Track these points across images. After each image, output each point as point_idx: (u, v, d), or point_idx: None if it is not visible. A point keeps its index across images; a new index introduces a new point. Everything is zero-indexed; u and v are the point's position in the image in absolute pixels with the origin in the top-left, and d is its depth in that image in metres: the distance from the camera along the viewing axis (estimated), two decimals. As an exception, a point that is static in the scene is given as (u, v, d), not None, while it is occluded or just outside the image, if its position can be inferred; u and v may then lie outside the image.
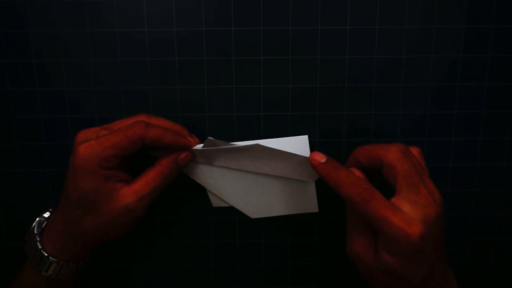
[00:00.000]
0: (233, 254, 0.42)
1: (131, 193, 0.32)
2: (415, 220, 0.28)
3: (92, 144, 0.31)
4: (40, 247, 0.33)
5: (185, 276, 0.42)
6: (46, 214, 0.36)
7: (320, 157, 0.31)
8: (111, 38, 0.38)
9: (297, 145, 0.37)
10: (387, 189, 0.40)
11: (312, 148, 0.40)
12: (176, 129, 0.35)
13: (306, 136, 0.37)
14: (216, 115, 0.39)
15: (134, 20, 0.37)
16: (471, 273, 0.42)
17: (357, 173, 0.31)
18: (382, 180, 0.39)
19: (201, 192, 0.40)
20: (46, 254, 0.33)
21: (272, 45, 0.38)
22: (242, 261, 0.42)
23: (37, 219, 0.35)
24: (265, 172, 0.36)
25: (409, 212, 0.28)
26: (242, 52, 0.38)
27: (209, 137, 0.33)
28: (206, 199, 0.41)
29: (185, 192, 0.41)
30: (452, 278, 0.32)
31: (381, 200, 0.29)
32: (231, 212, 0.41)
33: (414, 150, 0.32)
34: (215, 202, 0.39)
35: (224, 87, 0.39)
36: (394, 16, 0.37)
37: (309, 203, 0.38)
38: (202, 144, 0.34)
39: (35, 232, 0.34)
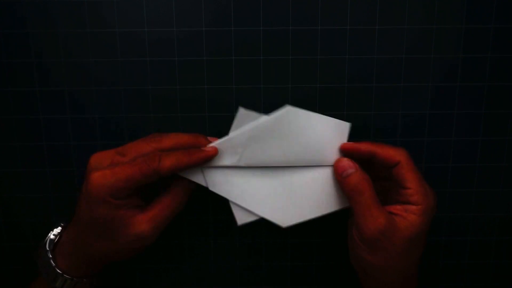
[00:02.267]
0: (233, 254, 0.42)
1: (145, 220, 0.32)
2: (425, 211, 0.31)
3: (106, 174, 0.31)
4: (54, 264, 0.33)
5: (185, 276, 0.42)
6: (57, 230, 0.36)
7: (349, 166, 0.33)
8: (111, 38, 0.38)
9: (335, 129, 0.35)
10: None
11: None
12: (190, 141, 0.34)
13: (349, 124, 0.35)
14: (216, 115, 0.39)
15: (134, 20, 0.37)
16: (471, 273, 0.42)
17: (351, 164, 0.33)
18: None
19: (201, 192, 0.40)
20: (60, 272, 0.33)
21: (272, 45, 0.38)
22: (242, 261, 0.42)
23: (49, 234, 0.35)
24: (293, 159, 0.34)
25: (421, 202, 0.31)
26: (242, 52, 0.38)
27: (240, 108, 0.32)
28: (206, 199, 0.41)
29: (185, 192, 0.41)
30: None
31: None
32: (231, 212, 0.41)
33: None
34: (241, 218, 0.36)
35: (224, 87, 0.39)
36: (394, 16, 0.37)
37: (343, 198, 0.35)
38: (225, 138, 0.34)
39: (47, 248, 0.34)
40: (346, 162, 0.33)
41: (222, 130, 0.39)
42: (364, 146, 0.33)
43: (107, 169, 0.31)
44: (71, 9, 0.37)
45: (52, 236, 0.35)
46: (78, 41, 0.38)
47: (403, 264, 0.32)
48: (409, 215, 0.31)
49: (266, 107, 0.39)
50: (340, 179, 0.33)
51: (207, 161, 0.33)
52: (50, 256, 0.34)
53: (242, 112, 0.33)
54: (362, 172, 0.32)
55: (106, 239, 0.32)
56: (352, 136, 0.40)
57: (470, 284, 0.43)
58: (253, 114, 0.34)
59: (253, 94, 0.39)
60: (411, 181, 0.31)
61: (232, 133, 0.34)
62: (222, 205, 0.41)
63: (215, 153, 0.33)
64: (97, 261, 0.34)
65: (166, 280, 0.42)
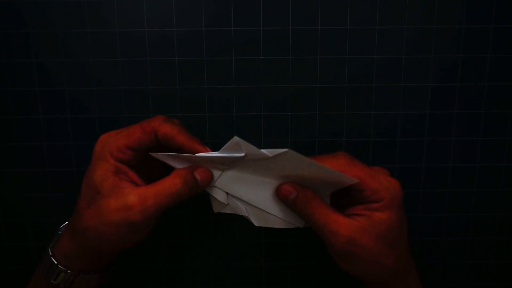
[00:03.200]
0: (233, 254, 0.42)
1: (134, 193, 0.30)
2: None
3: (110, 133, 0.32)
4: (50, 253, 0.33)
5: (185, 276, 0.42)
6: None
7: (290, 191, 0.31)
8: (111, 38, 0.38)
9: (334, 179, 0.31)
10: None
11: (312, 148, 0.40)
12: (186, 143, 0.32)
13: (356, 180, 0.31)
14: (216, 115, 0.39)
15: (134, 20, 0.37)
16: (471, 273, 0.42)
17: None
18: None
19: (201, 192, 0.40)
20: (56, 262, 0.32)
21: (272, 45, 0.38)
22: (242, 261, 0.42)
23: (66, 223, 0.35)
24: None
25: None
26: (242, 52, 0.38)
27: (235, 136, 0.29)
28: (205, 199, 0.41)
29: (185, 192, 0.41)
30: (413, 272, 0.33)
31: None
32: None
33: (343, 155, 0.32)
34: (217, 207, 0.35)
35: (224, 87, 0.39)
36: (394, 16, 0.37)
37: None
38: (219, 150, 0.31)
39: (56, 238, 0.34)
40: (285, 187, 0.31)
41: (222, 130, 0.39)
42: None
43: (112, 131, 0.32)
44: (71, 9, 0.37)
45: (60, 231, 0.35)
46: (78, 41, 0.38)
47: (386, 263, 0.30)
48: (373, 213, 0.30)
49: (266, 107, 0.39)
50: (287, 205, 0.32)
51: (191, 150, 0.32)
52: (51, 245, 0.33)
53: (236, 140, 0.30)
54: (305, 192, 0.31)
55: (93, 206, 0.30)
56: (352, 136, 0.40)
57: (470, 284, 0.43)
58: (247, 145, 0.30)
59: (253, 94, 0.39)
60: (363, 182, 0.30)
61: (224, 153, 0.31)
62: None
63: (200, 150, 0.32)
64: (87, 245, 0.31)
65: (166, 280, 0.42)
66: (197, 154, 0.31)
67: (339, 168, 0.30)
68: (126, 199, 0.29)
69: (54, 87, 0.39)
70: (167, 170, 0.37)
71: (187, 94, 0.39)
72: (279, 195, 0.31)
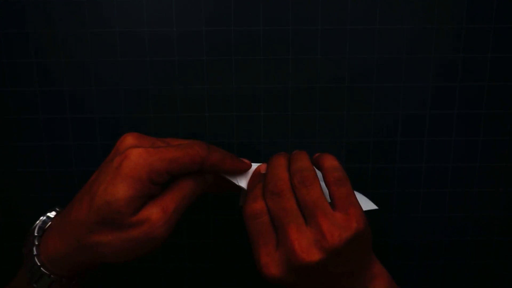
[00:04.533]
0: (233, 254, 0.42)
1: (157, 208, 0.28)
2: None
3: (149, 151, 0.27)
4: (35, 252, 0.29)
5: (185, 276, 0.42)
6: (52, 214, 0.31)
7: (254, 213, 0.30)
8: (111, 38, 0.38)
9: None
10: (383, 189, 0.40)
11: (312, 148, 0.40)
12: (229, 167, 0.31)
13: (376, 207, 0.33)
14: (216, 115, 0.39)
15: (134, 20, 0.37)
16: (471, 273, 0.42)
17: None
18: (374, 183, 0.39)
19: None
20: (38, 264, 0.28)
21: (272, 45, 0.38)
22: (242, 261, 0.42)
23: (41, 218, 0.30)
24: None
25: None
26: (242, 52, 0.38)
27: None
28: (205, 199, 0.41)
29: (185, 192, 0.41)
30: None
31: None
32: (231, 212, 0.41)
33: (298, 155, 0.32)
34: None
35: (224, 87, 0.39)
36: (394, 16, 0.37)
37: None
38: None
39: (35, 234, 0.29)
40: (250, 208, 0.30)
41: (222, 130, 0.39)
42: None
43: (150, 148, 0.27)
44: (71, 9, 0.37)
45: (45, 220, 0.30)
46: (78, 41, 0.38)
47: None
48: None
49: (266, 107, 0.39)
50: None
51: (242, 172, 0.32)
52: (36, 243, 0.29)
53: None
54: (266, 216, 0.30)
55: (111, 226, 0.27)
56: (352, 136, 0.40)
57: (470, 284, 0.43)
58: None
59: (253, 94, 0.39)
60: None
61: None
62: (222, 205, 0.41)
63: (248, 168, 0.32)
64: (86, 257, 0.28)
65: (166, 280, 0.42)
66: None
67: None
68: (149, 214, 0.27)
69: (54, 87, 0.39)
70: None
71: (187, 94, 0.39)
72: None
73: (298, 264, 0.27)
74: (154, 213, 0.27)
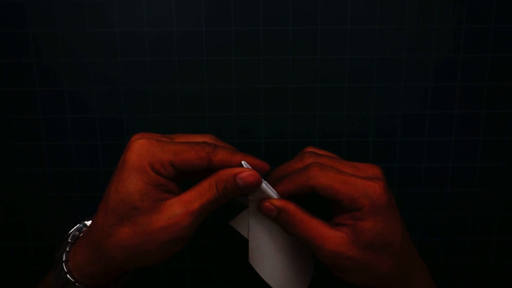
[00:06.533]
0: (233, 254, 0.42)
1: (179, 203, 0.27)
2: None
3: (152, 142, 0.27)
4: (64, 258, 0.29)
5: (185, 276, 0.42)
6: (89, 222, 0.31)
7: (270, 209, 0.29)
8: (111, 38, 0.38)
9: None
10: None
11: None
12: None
13: None
14: (216, 115, 0.39)
15: (134, 20, 0.37)
16: (471, 273, 0.42)
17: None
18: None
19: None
20: (66, 270, 0.28)
21: (272, 45, 0.38)
22: (242, 261, 0.42)
23: (78, 225, 0.31)
24: None
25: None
26: (242, 52, 0.38)
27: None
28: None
29: (185, 192, 0.41)
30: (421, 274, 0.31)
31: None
32: (231, 211, 0.41)
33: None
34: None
35: (224, 87, 0.39)
36: (394, 16, 0.37)
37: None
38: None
39: (69, 240, 0.30)
40: (266, 205, 0.29)
41: (222, 130, 0.39)
42: (283, 188, 0.29)
43: (154, 140, 0.27)
44: (71, 9, 0.37)
45: (80, 227, 0.31)
46: (78, 41, 0.38)
47: (380, 270, 0.28)
48: (357, 223, 0.27)
49: (266, 107, 0.39)
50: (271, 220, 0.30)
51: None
52: (67, 249, 0.29)
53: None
54: (285, 209, 0.29)
55: (130, 224, 0.26)
56: (352, 136, 0.40)
57: (470, 284, 0.43)
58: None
59: (253, 94, 0.39)
60: (337, 192, 0.27)
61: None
62: (222, 205, 0.41)
63: (267, 169, 0.30)
64: (110, 263, 0.28)
65: (166, 280, 0.42)
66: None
67: (310, 182, 0.28)
68: (172, 212, 0.27)
69: (54, 86, 0.39)
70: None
71: (187, 94, 0.39)
72: (262, 212, 0.29)
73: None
74: (177, 211, 0.27)
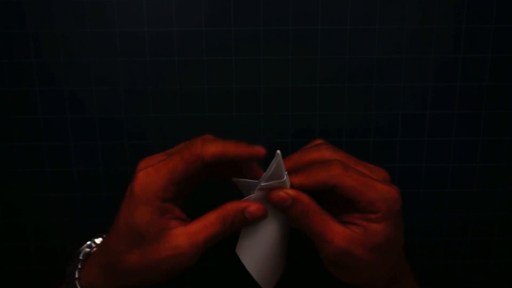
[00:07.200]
0: (233, 254, 0.42)
1: (184, 234, 0.28)
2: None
3: (149, 171, 0.28)
4: (77, 276, 0.30)
5: (185, 276, 0.42)
6: (98, 240, 0.33)
7: (284, 199, 0.28)
8: (111, 38, 0.38)
9: None
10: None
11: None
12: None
13: None
14: (216, 115, 0.39)
15: (134, 20, 0.37)
16: (472, 273, 0.42)
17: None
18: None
19: (199, 191, 0.40)
20: (79, 287, 0.30)
21: (272, 45, 0.38)
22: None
23: (88, 243, 0.32)
24: None
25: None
26: (242, 52, 0.38)
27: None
28: (204, 198, 0.41)
29: (185, 192, 0.41)
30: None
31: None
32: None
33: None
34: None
35: (224, 87, 0.39)
36: (394, 16, 0.37)
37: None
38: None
39: (80, 257, 0.31)
40: (280, 194, 0.29)
41: (222, 130, 0.39)
42: (300, 180, 0.29)
43: (150, 167, 0.28)
44: (71, 9, 0.37)
45: (91, 245, 0.32)
46: (78, 41, 0.38)
47: (379, 272, 0.29)
48: (369, 224, 0.28)
49: (266, 107, 0.39)
50: (280, 210, 0.29)
51: (254, 159, 0.29)
52: (80, 266, 0.31)
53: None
54: (300, 200, 0.28)
55: (139, 251, 0.28)
56: (352, 136, 0.40)
57: (470, 284, 0.43)
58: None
59: (253, 94, 0.39)
60: (358, 193, 0.27)
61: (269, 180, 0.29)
62: (222, 204, 0.41)
63: (263, 153, 0.29)
64: (121, 284, 0.30)
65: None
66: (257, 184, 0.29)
67: (333, 180, 0.28)
68: (176, 242, 0.28)
69: (54, 87, 0.39)
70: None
71: (187, 94, 0.39)
72: (273, 201, 0.29)
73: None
74: (181, 241, 0.28)
